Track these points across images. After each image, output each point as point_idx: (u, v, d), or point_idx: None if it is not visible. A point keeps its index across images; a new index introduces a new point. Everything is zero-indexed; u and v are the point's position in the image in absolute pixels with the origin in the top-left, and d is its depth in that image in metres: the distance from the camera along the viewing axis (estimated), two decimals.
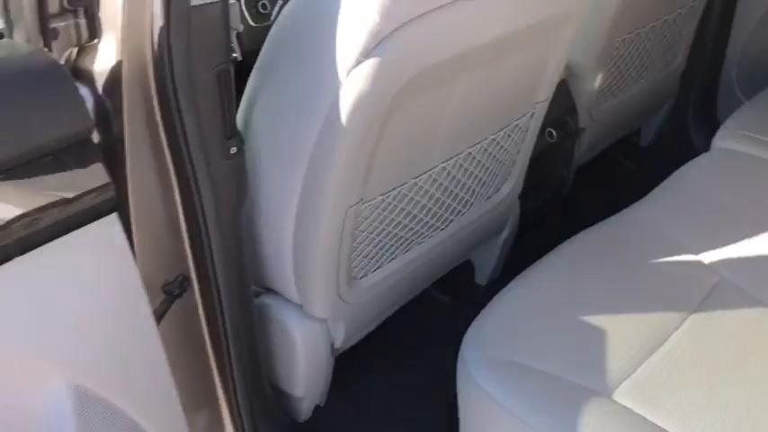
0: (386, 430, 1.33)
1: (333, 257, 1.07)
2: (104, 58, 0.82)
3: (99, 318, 0.74)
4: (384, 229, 1.13)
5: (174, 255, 0.97)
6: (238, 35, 0.93)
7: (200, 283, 1.00)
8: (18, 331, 0.65)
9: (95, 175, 0.70)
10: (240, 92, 1.01)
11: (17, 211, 0.63)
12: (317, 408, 1.28)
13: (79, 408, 0.71)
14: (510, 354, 0.94)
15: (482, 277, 1.59)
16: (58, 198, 0.66)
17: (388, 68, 0.85)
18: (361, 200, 1.02)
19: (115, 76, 0.83)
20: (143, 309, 0.79)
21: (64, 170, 0.66)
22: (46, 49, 0.68)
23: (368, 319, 1.25)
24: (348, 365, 1.31)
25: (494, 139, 1.22)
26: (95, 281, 0.73)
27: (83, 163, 0.68)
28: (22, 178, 0.63)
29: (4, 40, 0.68)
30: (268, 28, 0.99)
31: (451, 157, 1.15)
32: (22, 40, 0.68)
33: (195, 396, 0.99)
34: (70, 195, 0.67)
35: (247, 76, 1.01)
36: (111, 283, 0.75)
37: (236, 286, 1.03)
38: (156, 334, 0.81)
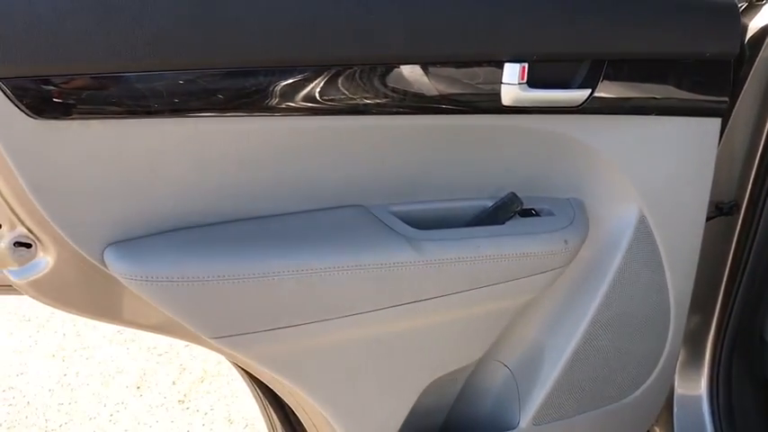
0: None
1: None
2: (762, 18, 1.11)
3: (669, 179, 1.05)
4: None
5: (738, 183, 1.24)
6: None
7: (746, 212, 1.24)
8: (628, 164, 1.02)
9: (720, 86, 1.01)
10: None
11: (653, 86, 0.98)
12: None
13: (636, 228, 1.06)
14: None
15: None
16: (689, 86, 0.99)
17: None
18: None
19: (761, 35, 1.11)
20: (702, 202, 1.08)
21: (704, 70, 0.98)
22: None
23: None
24: None
25: None
26: (677, 158, 1.05)
27: (717, 74, 1.00)
28: (675, 70, 0.97)
29: None
30: None
31: None
32: None
33: (696, 299, 1.24)
34: (696, 90, 1.00)
35: None
36: (687, 171, 1.06)
37: None
38: (704, 213, 1.09)
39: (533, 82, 0.92)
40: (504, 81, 0.91)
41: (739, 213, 1.27)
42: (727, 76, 1.01)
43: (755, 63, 1.15)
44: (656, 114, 1.00)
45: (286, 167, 0.90)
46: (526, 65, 0.91)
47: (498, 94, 0.91)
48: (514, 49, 0.90)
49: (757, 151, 1.22)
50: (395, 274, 0.90)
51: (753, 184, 1.24)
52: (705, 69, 1.00)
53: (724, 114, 1.04)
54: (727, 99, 1.02)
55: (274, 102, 0.83)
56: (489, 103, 0.92)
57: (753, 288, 1.31)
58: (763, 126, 1.20)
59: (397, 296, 0.92)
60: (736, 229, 1.28)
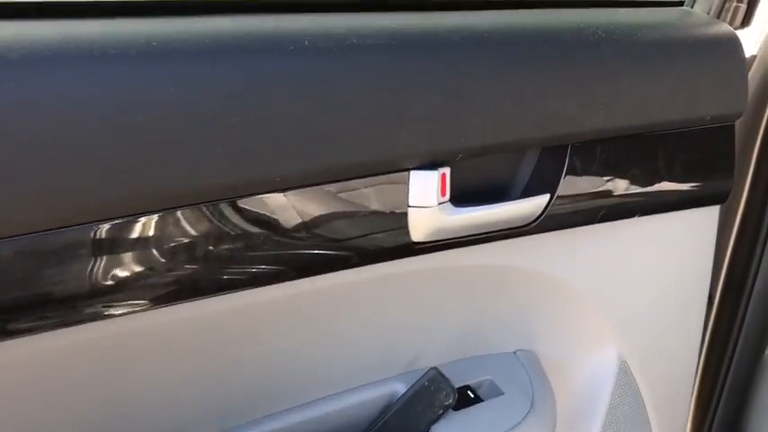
0: None
1: None
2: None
3: (658, 300, 0.71)
4: None
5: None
6: None
7: (720, 305, 0.92)
8: (593, 285, 0.65)
9: (722, 162, 0.66)
10: None
11: (636, 175, 0.62)
12: None
13: (617, 384, 0.69)
14: None
15: None
16: (684, 168, 0.64)
17: None
18: None
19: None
20: (698, 308, 0.74)
21: (701, 142, 0.63)
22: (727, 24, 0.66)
23: None
24: None
25: None
26: (664, 275, 0.70)
27: (717, 145, 0.65)
28: (663, 147, 0.61)
29: (683, 8, 0.68)
30: None
31: None
32: (703, 11, 0.67)
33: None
34: (693, 172, 0.65)
35: None
36: (678, 291, 0.72)
37: (756, 325, 0.93)
38: (698, 340, 0.75)
39: (460, 196, 0.52)
40: (411, 203, 0.50)
41: (712, 306, 0.94)
42: (730, 145, 0.66)
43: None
44: (640, 215, 0.64)
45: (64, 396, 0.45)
46: (447, 170, 0.51)
47: (404, 228, 0.51)
48: (426, 145, 0.50)
49: (732, 229, 0.89)
50: None
51: (727, 273, 0.92)
52: (703, 140, 0.64)
53: (726, 200, 0.69)
54: (732, 180, 0.67)
55: None
56: (390, 245, 0.51)
57: (735, 394, 0.99)
58: (739, 201, 0.87)
59: None
60: (709, 322, 0.95)
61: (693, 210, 0.67)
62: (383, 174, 0.49)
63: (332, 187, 0.47)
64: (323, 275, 0.50)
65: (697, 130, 0.63)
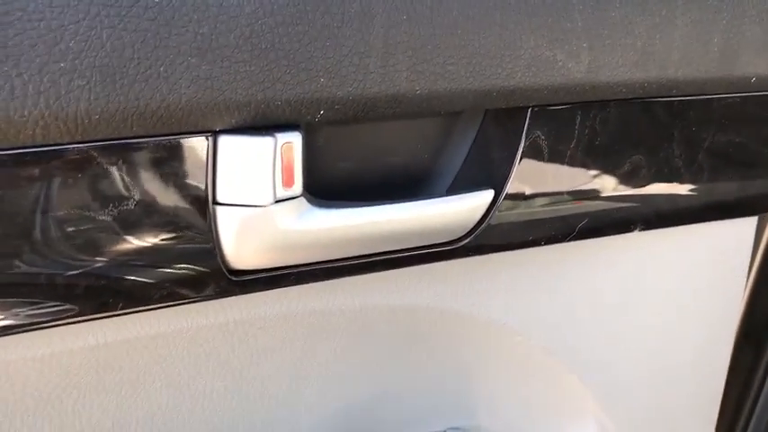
0: None
1: None
2: None
3: (659, 356, 0.48)
4: None
5: None
6: None
7: (737, 351, 0.69)
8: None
9: None
10: None
11: (638, 161, 0.39)
12: None
13: None
14: None
15: None
16: (717, 151, 0.40)
17: None
18: None
19: None
20: (717, 372, 0.51)
21: (735, 122, 0.40)
22: None
23: None
24: None
25: None
26: (682, 302, 0.47)
27: (762, 123, 0.42)
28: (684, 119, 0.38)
29: None
30: None
31: None
32: None
33: None
34: (722, 167, 0.41)
35: None
36: (700, 312, 0.49)
37: None
38: (723, 377, 0.53)
39: (325, 188, 0.29)
40: (220, 198, 0.26)
41: None
42: None
43: None
44: (641, 229, 0.40)
45: None
46: (296, 137, 0.27)
47: (208, 246, 0.26)
48: (246, 86, 0.25)
49: (759, 247, 0.67)
50: None
51: (748, 307, 0.69)
52: (741, 115, 0.41)
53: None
54: None
55: None
56: (186, 280, 0.27)
57: None
58: None
59: None
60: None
61: (721, 223, 0.44)
62: (156, 137, 0.25)
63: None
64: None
65: (734, 99, 0.40)
